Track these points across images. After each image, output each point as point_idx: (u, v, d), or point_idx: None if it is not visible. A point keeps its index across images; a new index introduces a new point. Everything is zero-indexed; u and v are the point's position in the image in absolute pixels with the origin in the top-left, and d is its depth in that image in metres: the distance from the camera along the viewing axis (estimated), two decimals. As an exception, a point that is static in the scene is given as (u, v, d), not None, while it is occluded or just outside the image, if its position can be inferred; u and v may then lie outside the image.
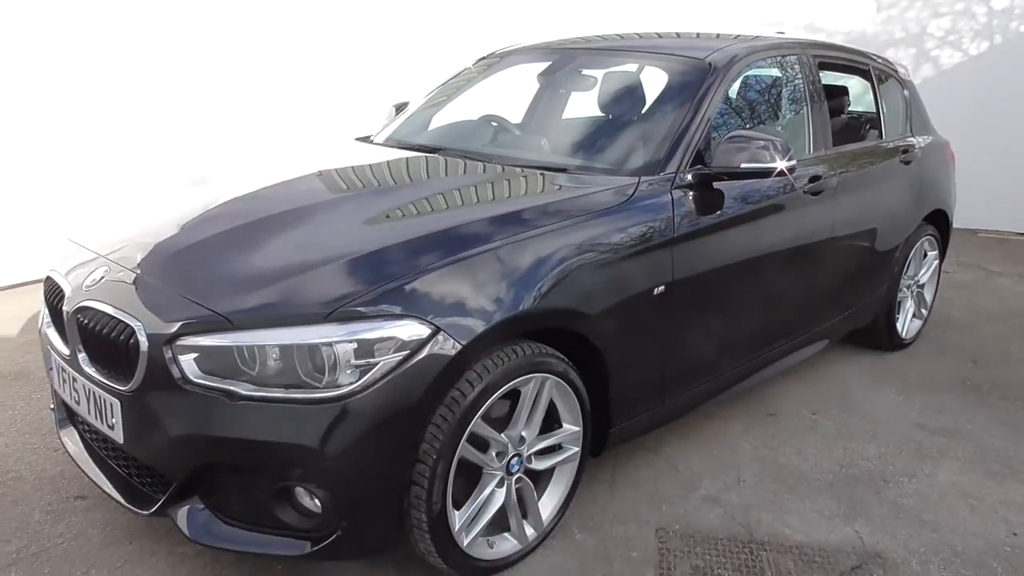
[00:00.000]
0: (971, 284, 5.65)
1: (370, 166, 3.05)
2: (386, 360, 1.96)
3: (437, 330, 2.01)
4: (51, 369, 2.48)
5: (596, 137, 3.10)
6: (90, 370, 2.21)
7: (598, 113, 3.25)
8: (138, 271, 2.26)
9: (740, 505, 2.76)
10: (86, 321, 2.18)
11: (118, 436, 2.15)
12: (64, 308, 2.27)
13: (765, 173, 2.71)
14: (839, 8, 7.54)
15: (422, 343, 1.99)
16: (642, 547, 2.51)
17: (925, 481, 2.96)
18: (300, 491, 2.04)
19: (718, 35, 3.71)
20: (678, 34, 3.85)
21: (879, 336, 4.17)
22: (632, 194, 2.59)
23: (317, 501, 2.01)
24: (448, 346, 2.02)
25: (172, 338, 2.01)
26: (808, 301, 3.45)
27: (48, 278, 2.50)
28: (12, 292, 4.82)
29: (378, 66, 7.77)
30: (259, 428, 1.96)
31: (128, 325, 2.07)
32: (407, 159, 3.06)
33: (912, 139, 4.17)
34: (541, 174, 2.76)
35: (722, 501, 2.78)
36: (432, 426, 2.05)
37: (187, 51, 6.42)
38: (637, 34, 3.80)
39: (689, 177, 2.74)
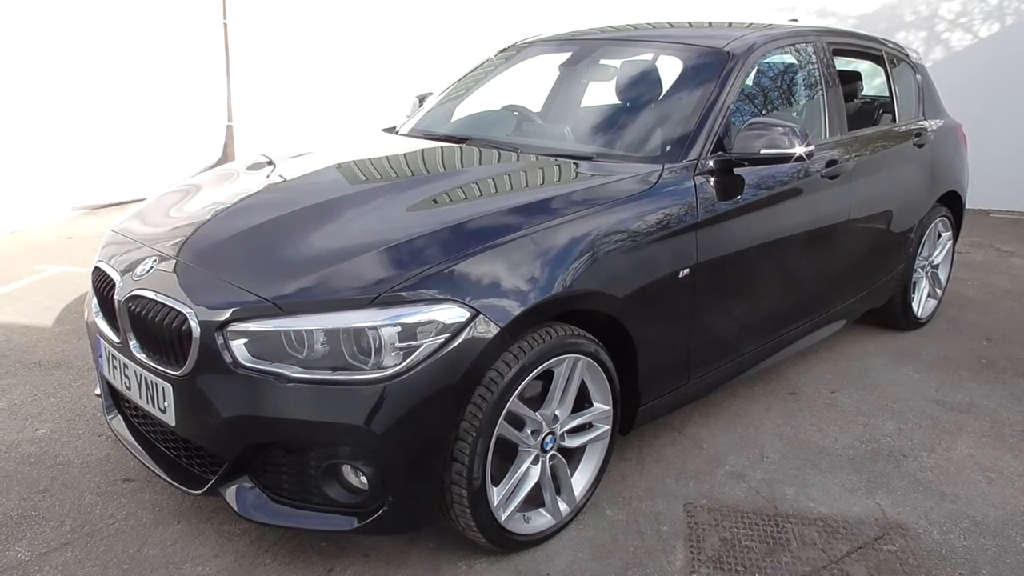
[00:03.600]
0: (984, 264, 5.71)
1: (404, 155, 3.13)
2: (428, 343, 2.05)
3: (476, 313, 2.10)
4: (100, 357, 2.58)
5: (619, 125, 3.18)
6: (141, 356, 2.30)
7: (620, 102, 3.32)
8: (186, 260, 2.35)
9: (764, 480, 2.85)
10: (138, 309, 2.27)
11: (170, 419, 2.24)
12: (115, 297, 2.37)
13: (784, 158, 2.78)
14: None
15: (462, 326, 2.08)
16: (671, 521, 2.60)
17: (943, 455, 3.04)
18: (347, 468, 2.13)
19: (730, 24, 3.78)
20: (691, 23, 3.91)
21: (895, 316, 4.23)
22: (657, 180, 2.67)
23: (364, 478, 2.11)
24: (487, 328, 2.11)
25: (223, 324, 2.10)
26: (826, 282, 3.52)
27: (96, 268, 2.60)
28: (39, 282, 4.92)
29: (398, 57, 7.88)
30: (308, 409, 2.06)
31: (180, 312, 2.16)
32: (440, 148, 3.14)
33: (925, 122, 4.23)
34: (571, 163, 2.84)
35: (747, 477, 2.87)
36: (472, 405, 2.14)
37: (220, 40, 6.58)
38: (651, 24, 3.86)
39: (711, 163, 2.81)
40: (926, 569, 2.37)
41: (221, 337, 2.10)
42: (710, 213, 2.75)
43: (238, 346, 2.09)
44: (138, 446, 2.54)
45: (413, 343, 2.04)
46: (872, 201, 3.66)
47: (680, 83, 3.16)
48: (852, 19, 7.53)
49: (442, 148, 3.14)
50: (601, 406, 2.54)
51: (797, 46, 3.51)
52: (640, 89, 3.26)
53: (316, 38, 7.62)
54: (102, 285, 2.53)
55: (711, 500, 2.72)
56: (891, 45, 4.22)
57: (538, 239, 2.29)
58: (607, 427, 2.58)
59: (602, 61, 3.53)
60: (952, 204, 4.41)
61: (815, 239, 3.31)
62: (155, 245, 2.47)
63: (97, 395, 2.86)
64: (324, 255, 2.23)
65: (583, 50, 3.65)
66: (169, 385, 2.21)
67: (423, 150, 3.14)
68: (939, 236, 4.40)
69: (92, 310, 2.62)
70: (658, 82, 3.24)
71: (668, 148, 2.85)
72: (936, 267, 4.44)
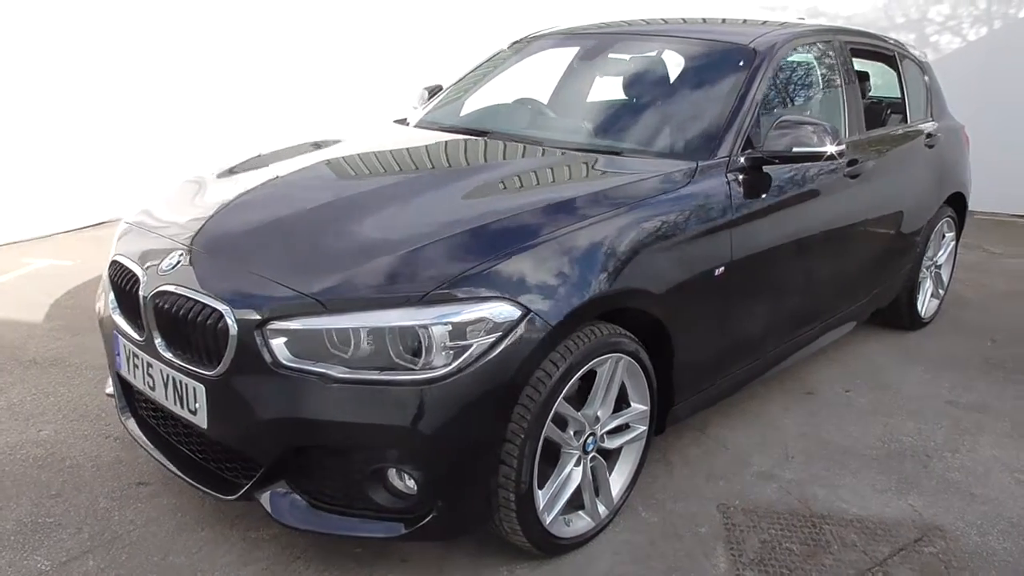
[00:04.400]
0: (976, 265, 5.77)
1: (429, 148, 3.05)
2: (480, 342, 1.98)
3: (527, 312, 2.03)
4: (117, 355, 2.47)
5: (646, 121, 3.12)
6: (168, 355, 2.20)
7: (645, 97, 3.27)
8: (216, 254, 2.25)
9: (793, 480, 2.82)
10: (165, 306, 2.17)
11: (201, 421, 2.14)
12: (140, 293, 2.26)
13: (816, 157, 2.76)
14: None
15: (513, 325, 2.01)
16: (708, 523, 2.56)
17: (967, 456, 3.04)
18: (395, 472, 2.05)
19: (744, 21, 3.76)
20: (704, 20, 3.87)
21: (900, 315, 4.25)
22: (692, 177, 2.63)
23: (412, 482, 2.03)
24: (537, 327, 2.04)
25: (262, 322, 2.01)
26: (843, 281, 3.51)
27: (114, 262, 2.48)
28: (25, 276, 4.74)
29: (400, 49, 7.78)
30: (354, 411, 1.98)
31: (215, 309, 2.06)
32: (464, 142, 3.07)
33: (933, 123, 4.25)
34: (603, 157, 2.79)
35: (775, 477, 2.84)
36: (520, 406, 2.07)
37: (219, 33, 6.45)
38: (663, 19, 3.82)
39: (742, 160, 2.77)
40: (971, 571, 2.36)
41: (260, 336, 2.01)
42: (743, 211, 2.71)
43: (278, 345, 2.00)
44: (155, 449, 2.43)
45: (463, 343, 1.97)
46: (888, 201, 3.66)
47: (708, 80, 3.13)
48: (841, 19, 7.57)
49: (466, 141, 3.06)
50: (639, 406, 2.49)
51: (817, 44, 3.49)
52: (667, 85, 3.21)
53: (308, 30, 7.48)
54: (121, 280, 2.41)
55: (744, 501, 2.69)
56: (901, 45, 4.23)
57: (584, 235, 2.23)
58: (644, 427, 2.53)
59: (624, 56, 3.48)
60: (956, 205, 4.44)
61: (835, 238, 3.30)
62: (179, 238, 2.37)
63: (109, 395, 2.75)
64: (366, 250, 2.15)
65: (601, 44, 3.60)
66: (201, 385, 2.11)
67: (447, 142, 3.07)
68: (943, 237, 4.42)
69: (109, 306, 2.50)
70: (685, 78, 3.20)
71: (700, 145, 2.81)
72: (939, 267, 4.47)
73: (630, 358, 2.37)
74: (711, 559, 2.38)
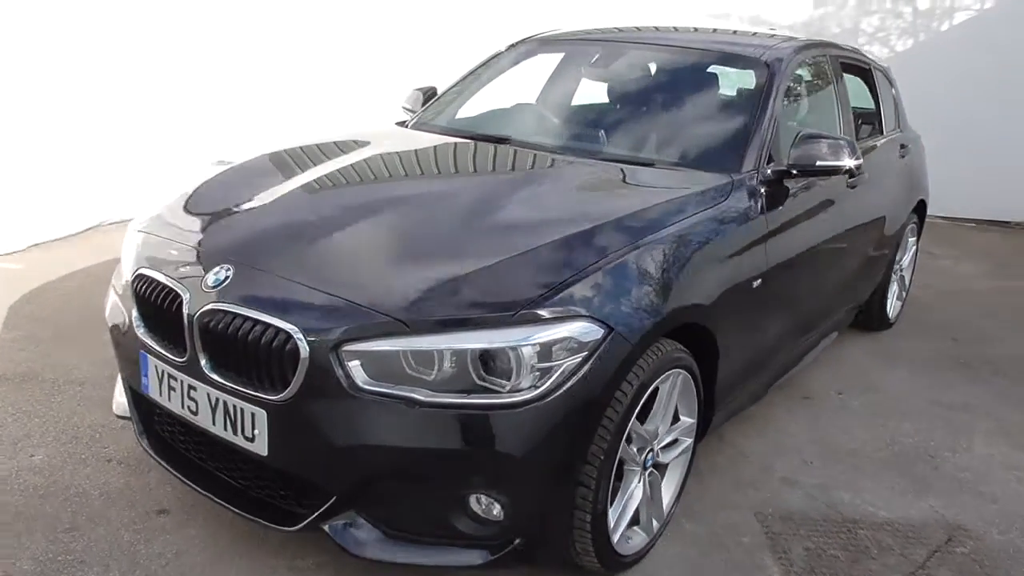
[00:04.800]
0: (919, 267, 6.06)
1: (456, 154, 2.98)
2: (567, 362, 1.93)
3: (611, 330, 1.99)
4: (143, 376, 2.28)
5: (677, 133, 3.12)
6: (217, 377, 2.05)
7: (670, 109, 3.27)
8: (269, 269, 2.11)
9: (817, 485, 2.89)
10: (219, 326, 2.02)
11: (259, 448, 2.01)
12: (184, 311, 2.09)
13: (836, 170, 2.83)
14: (781, 2, 7.86)
15: (598, 344, 1.97)
16: (749, 532, 2.59)
17: (966, 455, 3.19)
18: (479, 498, 1.97)
19: (735, 31, 3.83)
20: (695, 28, 3.91)
21: (872, 317, 4.43)
22: (731, 191, 2.65)
23: (498, 508, 1.96)
24: (620, 346, 2.01)
25: (338, 343, 1.90)
26: (842, 286, 3.63)
27: (141, 276, 2.28)
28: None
29: (388, 48, 7.60)
30: (441, 436, 1.89)
31: (280, 330, 1.94)
32: (496, 148, 3.00)
33: (902, 133, 4.44)
34: (641, 169, 2.79)
35: (800, 483, 2.90)
36: (601, 427, 2.03)
37: (201, 29, 6.12)
38: (655, 27, 3.84)
39: (769, 173, 2.82)
40: (1005, 570, 2.47)
41: (335, 358, 1.90)
42: (773, 223, 2.76)
43: (355, 367, 1.90)
44: (190, 478, 2.28)
45: (550, 363, 1.91)
46: (875, 209, 3.80)
47: (728, 92, 3.16)
48: (783, 28, 7.83)
49: (496, 148, 2.99)
50: (687, 419, 2.50)
51: (816, 57, 3.58)
52: (690, 96, 3.22)
53: (296, 29, 7.22)
54: (153, 295, 2.23)
55: (776, 508, 2.74)
56: (873, 58, 4.40)
57: (653, 250, 2.21)
58: (691, 440, 2.54)
59: (642, 65, 3.46)
60: (920, 211, 4.67)
61: (838, 246, 3.40)
62: (221, 250, 2.22)
63: (121, 417, 2.55)
64: (438, 265, 2.06)
65: (612, 51, 3.57)
66: (262, 411, 1.98)
67: (475, 150, 2.99)
68: (908, 241, 4.64)
69: (133, 323, 2.31)
70: (706, 90, 3.22)
71: (730, 157, 2.83)
72: (903, 270, 4.69)
73: (687, 372, 2.37)
74: (764, 570, 2.41)
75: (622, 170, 2.77)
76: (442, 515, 1.98)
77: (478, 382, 1.89)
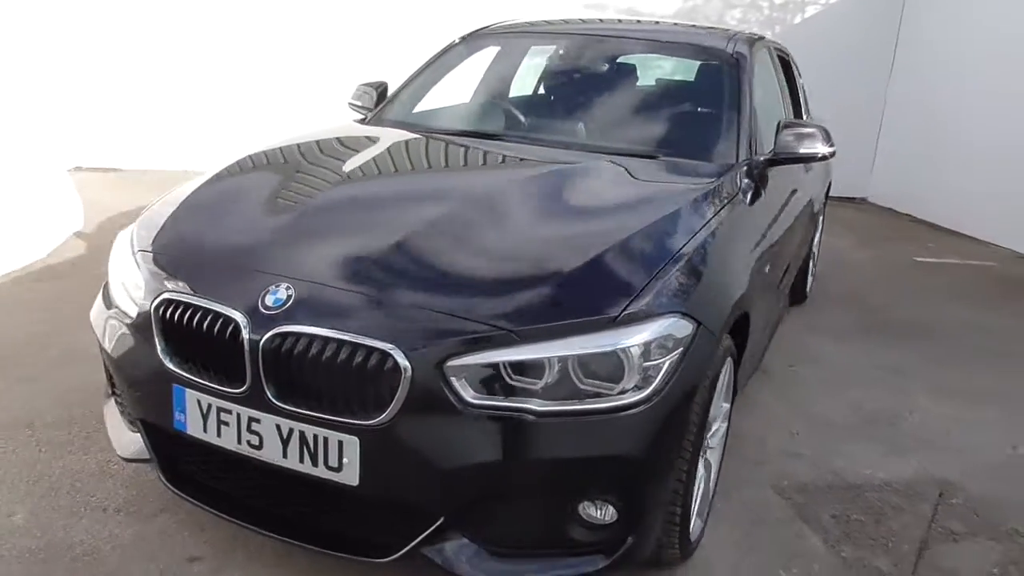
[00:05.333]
0: (804, 242, 6.58)
1: (467, 153, 2.88)
2: (668, 360, 1.92)
3: (698, 324, 2.01)
4: (179, 413, 2.04)
5: (670, 125, 3.18)
6: (288, 406, 1.87)
7: (656, 101, 3.33)
8: (337, 284, 1.95)
9: (813, 456, 3.07)
10: (292, 350, 1.84)
11: (349, 478, 1.86)
12: (245, 337, 1.88)
13: (815, 157, 3.01)
14: (653, -7, 8.19)
15: (691, 339, 1.98)
16: (776, 506, 2.71)
17: (921, 415, 3.51)
18: (591, 504, 1.93)
19: (676, 24, 3.96)
20: (657, 22, 4.02)
21: (795, 291, 4.74)
22: (740, 179, 2.75)
23: (612, 511, 1.92)
24: (707, 339, 2.04)
25: (443, 359, 1.79)
26: (800, 262, 3.87)
27: (168, 302, 2.02)
28: None
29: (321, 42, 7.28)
30: (558, 445, 1.84)
31: (374, 349, 1.80)
32: (503, 145, 2.93)
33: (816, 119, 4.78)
34: (652, 162, 2.83)
35: (798, 455, 3.07)
36: (691, 422, 2.05)
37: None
38: (618, 19, 3.91)
39: (761, 161, 2.95)
40: (998, 513, 2.74)
41: (441, 375, 1.79)
42: (772, 209, 2.90)
43: (460, 383, 1.80)
44: (228, 515, 2.08)
45: (653, 362, 1.90)
46: (813, 191, 4.09)
47: (709, 84, 3.26)
48: (657, 18, 8.15)
49: (503, 145, 2.92)
50: (725, 404, 2.57)
51: (761, 50, 3.77)
52: (678, 90, 3.30)
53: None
54: (189, 322, 1.98)
55: (790, 481, 2.88)
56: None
57: (713, 243, 2.26)
58: (726, 424, 2.62)
59: (620, 59, 3.49)
60: (828, 192, 5.05)
61: (798, 225, 3.61)
62: (269, 266, 2.02)
63: (132, 459, 2.28)
64: (526, 270, 2.00)
65: (579, 44, 3.57)
66: (353, 438, 1.83)
67: (485, 147, 2.92)
68: (820, 220, 5.01)
69: (161, 355, 2.04)
70: (692, 83, 3.31)
71: (730, 148, 2.93)
72: (816, 246, 5.05)
73: (731, 359, 2.43)
74: (806, 540, 2.54)
75: (638, 165, 2.79)
76: (553, 525, 1.92)
77: (582, 387, 1.85)
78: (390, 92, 3.58)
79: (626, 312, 1.89)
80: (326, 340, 1.83)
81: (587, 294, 1.94)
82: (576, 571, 1.95)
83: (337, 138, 2.92)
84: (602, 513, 1.94)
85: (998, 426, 3.43)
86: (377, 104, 3.52)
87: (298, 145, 2.82)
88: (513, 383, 1.82)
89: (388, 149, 2.82)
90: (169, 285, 2.06)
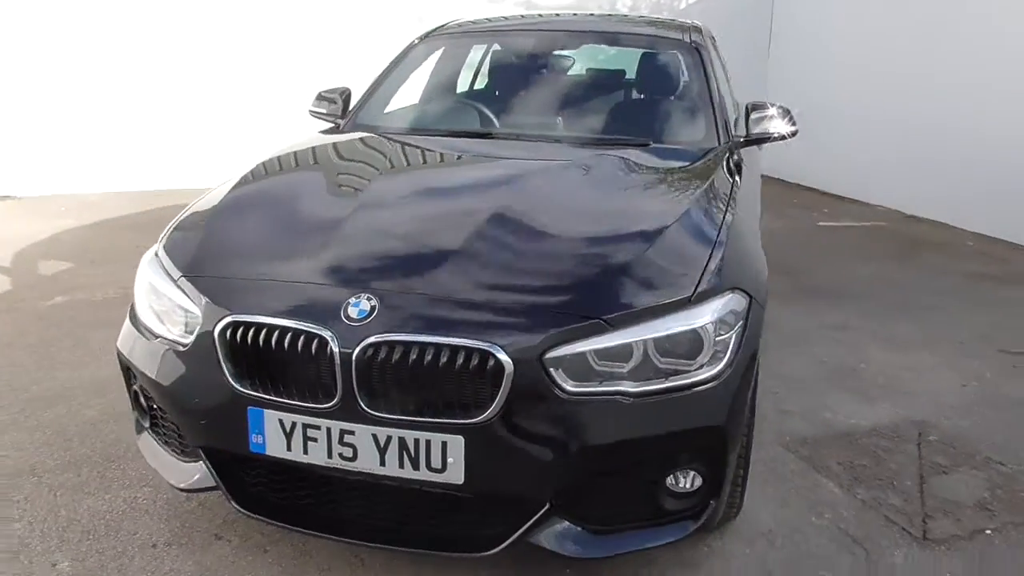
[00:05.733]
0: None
1: (474, 150, 2.94)
2: (734, 333, 2.07)
3: (751, 298, 2.17)
4: (257, 434, 2.00)
5: (655, 114, 3.33)
6: (383, 414, 1.89)
7: (638, 91, 3.47)
8: (419, 289, 1.98)
9: (802, 410, 3.33)
10: (388, 359, 1.85)
11: (454, 477, 1.90)
12: (335, 350, 1.87)
13: (782, 137, 3.25)
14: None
15: (747, 312, 2.14)
16: (791, 462, 2.93)
17: (875, 365, 3.85)
18: (679, 474, 2.05)
19: (626, 15, 4.12)
20: (611, 15, 4.16)
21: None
22: (731, 163, 2.94)
23: (698, 479, 2.05)
24: (758, 311, 2.20)
25: (543, 352, 1.86)
26: None
27: (236, 324, 1.97)
28: None
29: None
30: (651, 424, 1.95)
31: (475, 349, 1.84)
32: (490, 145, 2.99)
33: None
34: (647, 149, 2.96)
35: (788, 411, 3.32)
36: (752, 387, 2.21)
37: None
38: (574, 13, 4.02)
39: (742, 141, 3.16)
40: (972, 447, 3.07)
41: (541, 367, 1.86)
42: (754, 186, 3.11)
43: (559, 373, 1.88)
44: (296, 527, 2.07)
45: (722, 336, 2.05)
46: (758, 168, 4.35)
47: (680, 72, 3.43)
48: (552, 7, 8.33)
49: (489, 145, 2.98)
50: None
51: (712, 36, 4.00)
52: (652, 79, 3.44)
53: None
54: (267, 342, 1.94)
55: (792, 436, 3.11)
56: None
57: (738, 222, 2.43)
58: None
59: (604, 53, 3.60)
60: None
61: (751, 200, 3.85)
62: (338, 278, 2.03)
63: (190, 489, 2.21)
64: (597, 259, 2.11)
65: (547, 40, 3.65)
66: (458, 437, 1.87)
67: (492, 145, 2.98)
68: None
69: (231, 380, 1.98)
70: (666, 72, 3.46)
71: (710, 132, 3.13)
72: (744, 220, 5.39)
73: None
74: (823, 487, 2.77)
75: (641, 152, 2.93)
76: (647, 497, 2.04)
77: (660, 366, 1.97)
78: (354, 98, 3.55)
79: (698, 291, 2.02)
80: (423, 346, 1.85)
81: (661, 278, 2.06)
82: (672, 538, 2.08)
83: (355, 142, 2.90)
84: (689, 482, 2.07)
85: (939, 369, 3.82)
86: (344, 111, 3.48)
87: (313, 150, 2.77)
88: (600, 368, 1.91)
89: (420, 150, 2.85)
90: (232, 308, 2.01)
